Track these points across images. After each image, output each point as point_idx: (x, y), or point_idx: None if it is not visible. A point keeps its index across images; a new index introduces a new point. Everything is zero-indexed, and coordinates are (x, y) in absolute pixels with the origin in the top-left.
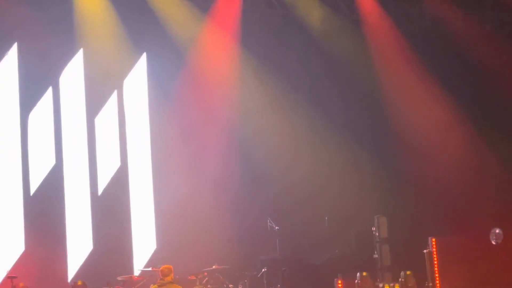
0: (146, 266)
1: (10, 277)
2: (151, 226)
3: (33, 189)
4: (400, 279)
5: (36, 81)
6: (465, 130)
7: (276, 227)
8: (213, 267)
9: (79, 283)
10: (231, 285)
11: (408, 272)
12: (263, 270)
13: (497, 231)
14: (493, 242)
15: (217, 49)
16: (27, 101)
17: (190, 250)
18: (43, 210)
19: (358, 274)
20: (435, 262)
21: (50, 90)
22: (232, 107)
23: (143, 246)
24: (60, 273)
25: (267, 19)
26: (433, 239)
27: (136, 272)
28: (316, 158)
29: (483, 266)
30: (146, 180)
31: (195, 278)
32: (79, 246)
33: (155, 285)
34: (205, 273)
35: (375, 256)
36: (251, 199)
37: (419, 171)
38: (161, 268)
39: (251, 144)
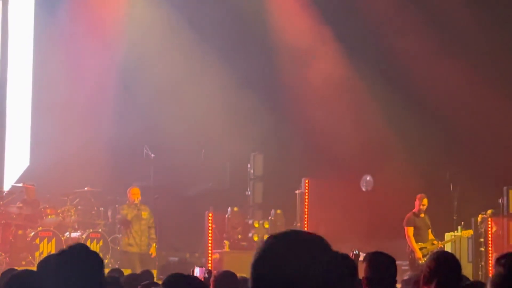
0: (17, 182)
1: None
2: (26, 143)
3: None
4: (270, 217)
5: None
6: (349, 75)
7: (152, 155)
8: (85, 188)
9: None
10: (102, 208)
11: (278, 211)
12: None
13: (368, 178)
14: (363, 189)
15: None
16: None
17: (63, 171)
18: None
19: (229, 209)
20: (306, 203)
21: None
22: (120, 30)
23: (16, 162)
24: None
25: None
26: (306, 180)
27: (7, 187)
28: (198, 91)
29: (352, 210)
30: (25, 96)
31: (66, 198)
32: None
33: None
34: (76, 194)
35: (248, 193)
36: (129, 126)
37: (298, 112)
38: None
39: (135, 72)
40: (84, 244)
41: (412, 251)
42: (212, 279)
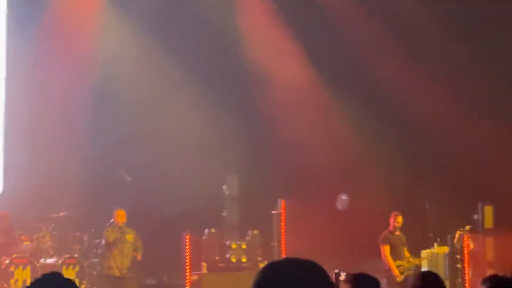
0: None
1: None
2: None
3: None
4: (247, 238)
5: None
6: (322, 94)
7: (128, 178)
8: (61, 214)
9: None
10: (78, 233)
11: (255, 231)
12: (111, 220)
13: (344, 197)
14: (339, 208)
15: None
16: None
17: (38, 196)
18: None
19: (206, 230)
20: (282, 223)
21: None
22: (94, 52)
23: None
24: None
25: None
26: (283, 201)
27: None
28: (174, 112)
29: (328, 230)
30: None
31: (41, 224)
32: None
33: None
34: (52, 220)
35: (224, 214)
36: (105, 149)
37: (273, 133)
38: None
39: (109, 94)
40: (58, 272)
41: (389, 269)
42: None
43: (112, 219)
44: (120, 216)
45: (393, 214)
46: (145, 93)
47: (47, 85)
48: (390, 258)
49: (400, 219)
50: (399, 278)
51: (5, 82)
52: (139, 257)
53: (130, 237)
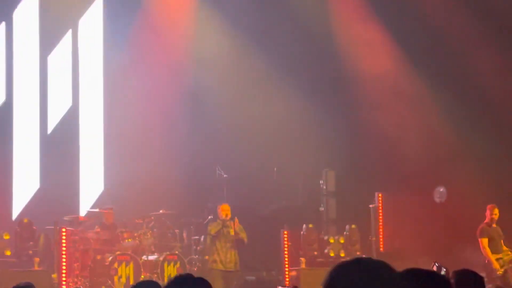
0: (93, 207)
1: None
2: (100, 168)
3: None
4: (345, 233)
5: None
6: (416, 88)
7: (225, 175)
8: (160, 211)
9: (25, 220)
10: (177, 230)
11: (353, 226)
12: (209, 217)
13: (441, 189)
14: (437, 200)
15: None
16: None
17: (137, 194)
18: None
19: (304, 226)
20: (380, 217)
21: (3, 26)
22: (188, 53)
23: (91, 187)
24: (5, 211)
25: None
26: (380, 194)
27: (83, 212)
28: (268, 109)
29: (426, 222)
30: (97, 121)
31: (141, 221)
32: (25, 184)
33: None
34: (152, 217)
35: (321, 209)
36: (201, 147)
37: (370, 126)
38: None
39: (204, 92)
40: (189, 274)
41: (489, 262)
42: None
43: (211, 215)
44: (224, 210)
45: (489, 206)
46: (241, 91)
47: (144, 86)
48: (489, 251)
49: (496, 211)
50: (500, 272)
51: (103, 85)
52: (245, 239)
53: (232, 231)
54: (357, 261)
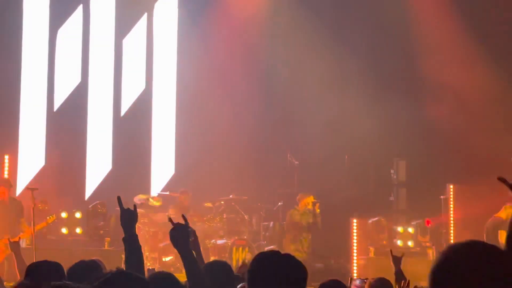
0: (164, 190)
1: (30, 189)
2: (171, 151)
3: (57, 105)
4: (414, 223)
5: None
6: (495, 79)
7: (296, 162)
8: (230, 196)
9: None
10: (246, 216)
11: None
12: (279, 203)
13: None
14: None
15: None
16: (57, 18)
17: (208, 178)
18: (66, 127)
19: (373, 215)
20: (451, 209)
21: (80, 8)
22: (262, 40)
23: (162, 170)
24: (78, 190)
25: None
26: (451, 186)
27: (153, 195)
28: (341, 99)
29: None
30: (169, 105)
31: (211, 205)
32: (98, 165)
33: None
34: (222, 202)
35: (391, 198)
36: (273, 134)
37: (442, 117)
38: None
39: (277, 79)
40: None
41: None
42: (367, 286)
43: (281, 202)
44: (309, 202)
45: None
46: (315, 78)
47: (216, 71)
48: None
49: None
50: None
51: (176, 69)
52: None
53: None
54: (471, 244)
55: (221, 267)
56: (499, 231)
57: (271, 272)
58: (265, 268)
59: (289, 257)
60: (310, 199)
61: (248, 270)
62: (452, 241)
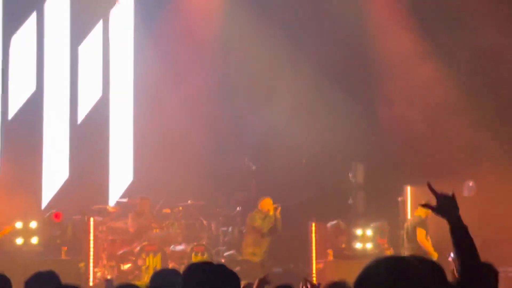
0: (122, 197)
1: None
2: (129, 158)
3: (11, 113)
4: (372, 225)
5: (20, 6)
6: (448, 82)
7: (253, 167)
8: (188, 202)
9: (53, 210)
10: (205, 221)
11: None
12: (237, 208)
13: (470, 184)
14: (466, 194)
15: None
16: (10, 25)
17: (166, 184)
18: (21, 135)
19: (332, 218)
20: (409, 210)
21: (34, 15)
22: (218, 41)
23: (120, 177)
24: (34, 200)
25: None
26: (408, 187)
27: (112, 203)
28: (297, 101)
29: None
30: (127, 112)
31: (169, 211)
32: (55, 173)
33: None
34: (180, 208)
35: (350, 202)
36: (229, 138)
37: (399, 119)
38: None
39: (234, 83)
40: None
41: None
42: None
43: (239, 207)
44: (269, 205)
45: None
46: (268, 83)
47: (174, 77)
48: None
49: None
50: None
51: (133, 75)
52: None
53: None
54: (394, 260)
55: None
56: (418, 229)
57: (203, 282)
58: (197, 278)
59: (221, 267)
60: (269, 202)
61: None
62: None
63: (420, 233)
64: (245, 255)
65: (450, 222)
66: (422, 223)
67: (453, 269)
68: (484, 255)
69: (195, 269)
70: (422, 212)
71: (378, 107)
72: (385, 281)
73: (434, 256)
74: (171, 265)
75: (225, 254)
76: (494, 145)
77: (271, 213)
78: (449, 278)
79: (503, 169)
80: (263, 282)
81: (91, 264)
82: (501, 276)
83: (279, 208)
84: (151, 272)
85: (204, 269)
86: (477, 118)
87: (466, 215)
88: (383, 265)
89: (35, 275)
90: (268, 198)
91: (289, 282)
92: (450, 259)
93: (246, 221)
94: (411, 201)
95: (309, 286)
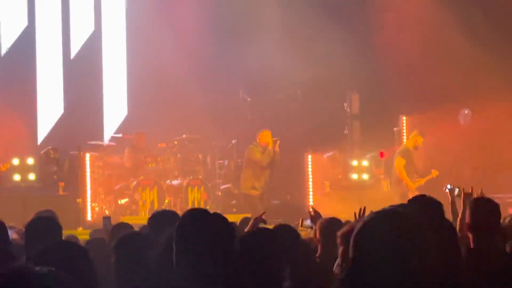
0: (117, 132)
1: None
2: (123, 93)
3: (4, 49)
4: (368, 156)
5: None
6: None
7: (248, 99)
8: (183, 136)
9: (50, 146)
10: (201, 155)
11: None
12: (233, 141)
13: (466, 111)
14: (461, 122)
15: None
16: None
17: (161, 118)
18: (14, 72)
19: (328, 149)
20: (404, 140)
21: None
22: None
23: (115, 112)
24: (29, 135)
25: None
26: (404, 117)
27: (107, 137)
28: (291, 30)
29: (451, 145)
30: (120, 46)
31: (165, 146)
32: (49, 109)
33: None
34: (175, 142)
35: (345, 132)
36: (224, 70)
37: (395, 49)
38: None
39: (229, 15)
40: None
41: None
42: (318, 225)
43: (234, 140)
44: (269, 137)
45: None
46: (262, 15)
47: (168, 9)
48: None
49: None
50: None
51: (125, 8)
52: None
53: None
54: (398, 213)
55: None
56: (397, 157)
57: (198, 229)
58: (193, 225)
59: (216, 215)
60: (269, 134)
61: (176, 227)
62: None
63: (399, 162)
64: (244, 189)
65: None
66: (404, 152)
67: (452, 200)
68: (481, 183)
69: (191, 216)
70: (411, 142)
71: (374, 35)
72: (389, 238)
73: (410, 187)
74: (167, 199)
75: (222, 187)
76: (490, 73)
77: (270, 146)
78: (448, 209)
79: (500, 96)
80: (258, 221)
81: (89, 199)
82: (499, 202)
83: (278, 141)
84: (148, 206)
85: (200, 217)
86: (469, 33)
87: (463, 144)
88: (387, 219)
89: (35, 219)
90: (267, 131)
91: (286, 213)
92: (446, 190)
93: (245, 154)
94: (406, 131)
95: (313, 213)
